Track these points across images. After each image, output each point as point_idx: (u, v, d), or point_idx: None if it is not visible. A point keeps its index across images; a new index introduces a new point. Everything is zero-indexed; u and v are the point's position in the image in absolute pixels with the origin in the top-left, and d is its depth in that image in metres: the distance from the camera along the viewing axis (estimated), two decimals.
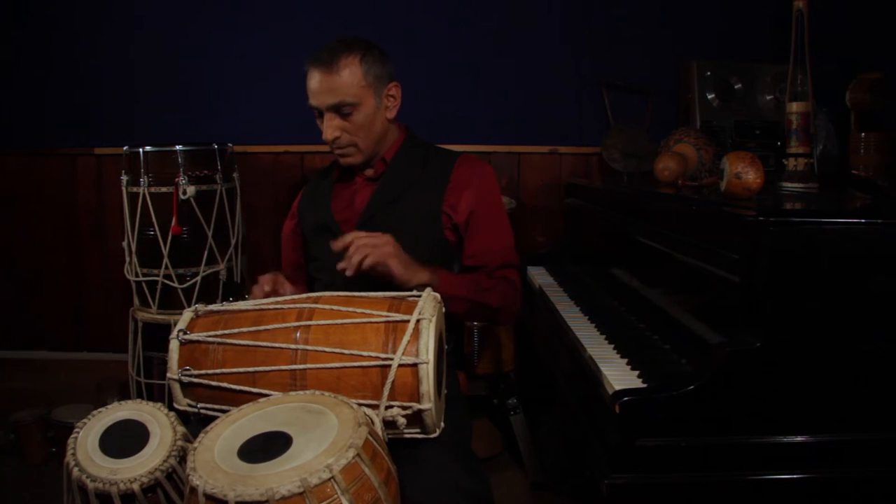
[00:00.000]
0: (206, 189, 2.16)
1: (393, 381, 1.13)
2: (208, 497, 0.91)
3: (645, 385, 1.13)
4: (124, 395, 2.41)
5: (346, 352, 1.15)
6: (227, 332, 1.22)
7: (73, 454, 1.09)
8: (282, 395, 1.13)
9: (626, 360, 1.25)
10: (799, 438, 1.03)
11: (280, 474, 0.92)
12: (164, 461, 1.09)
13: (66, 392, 2.56)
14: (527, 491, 2.16)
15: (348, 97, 1.43)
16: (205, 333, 1.22)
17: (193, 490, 0.93)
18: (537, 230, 2.62)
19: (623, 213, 1.73)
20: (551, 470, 2.18)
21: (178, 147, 2.13)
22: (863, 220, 1.04)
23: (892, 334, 1.03)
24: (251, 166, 2.58)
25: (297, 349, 1.17)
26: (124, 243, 2.22)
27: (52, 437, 2.36)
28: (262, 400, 1.13)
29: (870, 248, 1.03)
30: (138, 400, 1.22)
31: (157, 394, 2.22)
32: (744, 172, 1.26)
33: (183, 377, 1.19)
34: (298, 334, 1.18)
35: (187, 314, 1.26)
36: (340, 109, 1.44)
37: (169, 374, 1.21)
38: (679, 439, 1.01)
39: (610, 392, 1.10)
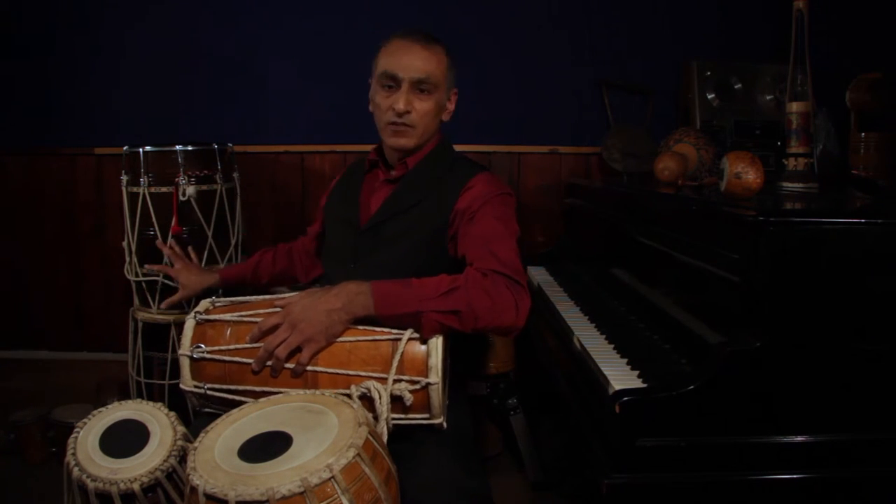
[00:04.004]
0: (206, 189, 2.16)
1: (402, 354, 1.17)
2: (209, 497, 0.91)
3: (645, 385, 1.13)
4: (124, 395, 2.41)
5: (359, 327, 1.20)
6: (243, 313, 1.25)
7: (74, 454, 1.09)
8: (282, 395, 1.14)
9: (626, 360, 1.25)
10: (799, 438, 1.03)
11: (280, 474, 0.92)
12: (165, 461, 1.09)
13: (66, 392, 2.56)
14: (527, 491, 2.16)
15: (434, 76, 1.45)
16: (221, 315, 1.25)
17: (194, 490, 0.93)
18: (537, 230, 2.62)
19: (623, 213, 1.73)
20: (551, 470, 2.18)
21: (178, 147, 2.13)
22: (863, 220, 1.04)
23: (892, 334, 1.04)
24: (251, 166, 2.58)
25: None
26: (124, 243, 2.22)
27: (52, 437, 2.36)
28: (262, 400, 1.13)
29: (870, 248, 1.03)
30: (138, 400, 1.23)
31: (157, 394, 2.22)
32: (744, 172, 1.26)
33: (195, 353, 1.21)
34: None
35: (205, 302, 1.30)
36: (421, 86, 1.45)
37: (180, 351, 1.23)
38: (679, 439, 1.01)
39: (610, 392, 1.10)
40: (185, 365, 1.22)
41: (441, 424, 1.20)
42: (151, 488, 1.08)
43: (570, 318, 1.59)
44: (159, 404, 1.20)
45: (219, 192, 2.19)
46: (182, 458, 1.11)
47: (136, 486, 1.05)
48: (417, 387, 1.16)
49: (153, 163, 2.13)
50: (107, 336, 2.72)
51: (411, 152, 1.52)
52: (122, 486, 1.05)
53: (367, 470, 0.97)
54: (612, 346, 1.35)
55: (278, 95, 2.60)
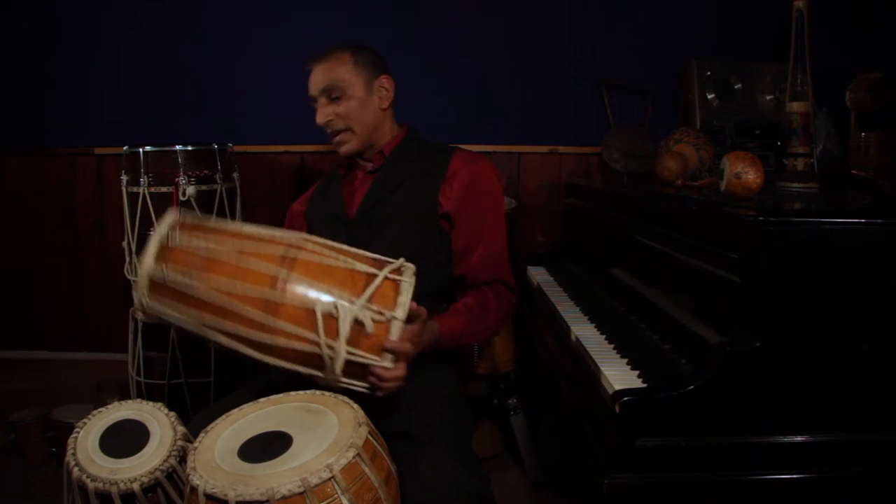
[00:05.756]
0: (206, 189, 2.16)
1: (377, 286, 1.15)
2: (209, 497, 0.91)
3: (645, 385, 1.13)
4: (124, 395, 2.41)
5: (339, 257, 1.19)
6: (210, 246, 1.18)
7: (74, 454, 1.10)
8: (282, 395, 1.14)
9: (626, 360, 1.25)
10: (799, 438, 1.03)
11: (280, 474, 0.92)
12: (165, 461, 1.09)
13: (66, 392, 2.56)
14: (527, 491, 2.16)
15: (336, 80, 1.52)
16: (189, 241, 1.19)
17: (194, 490, 0.93)
18: (537, 230, 2.62)
19: (623, 213, 1.73)
20: (551, 470, 2.18)
21: (178, 147, 2.13)
22: (863, 220, 1.04)
23: (892, 334, 1.04)
24: (251, 166, 2.58)
25: (287, 257, 1.16)
26: (124, 243, 2.22)
27: (52, 437, 2.36)
28: (262, 400, 1.13)
29: (870, 248, 1.03)
30: (138, 400, 1.23)
31: (157, 394, 2.22)
32: (744, 172, 1.26)
33: (170, 242, 1.16)
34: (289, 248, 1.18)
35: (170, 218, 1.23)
36: (330, 93, 1.53)
37: (153, 235, 1.18)
38: (679, 439, 1.01)
39: (610, 392, 1.10)
40: (153, 245, 1.17)
41: (386, 367, 1.16)
42: (151, 488, 1.08)
43: (570, 318, 1.59)
44: (159, 404, 1.20)
45: (219, 192, 2.19)
46: (182, 458, 1.11)
47: (136, 486, 1.06)
48: (382, 318, 1.13)
49: (153, 163, 2.13)
50: (107, 336, 2.71)
51: (379, 142, 1.58)
52: (122, 486, 1.05)
53: (367, 470, 0.97)
54: (612, 346, 1.35)
55: (278, 95, 2.60)
